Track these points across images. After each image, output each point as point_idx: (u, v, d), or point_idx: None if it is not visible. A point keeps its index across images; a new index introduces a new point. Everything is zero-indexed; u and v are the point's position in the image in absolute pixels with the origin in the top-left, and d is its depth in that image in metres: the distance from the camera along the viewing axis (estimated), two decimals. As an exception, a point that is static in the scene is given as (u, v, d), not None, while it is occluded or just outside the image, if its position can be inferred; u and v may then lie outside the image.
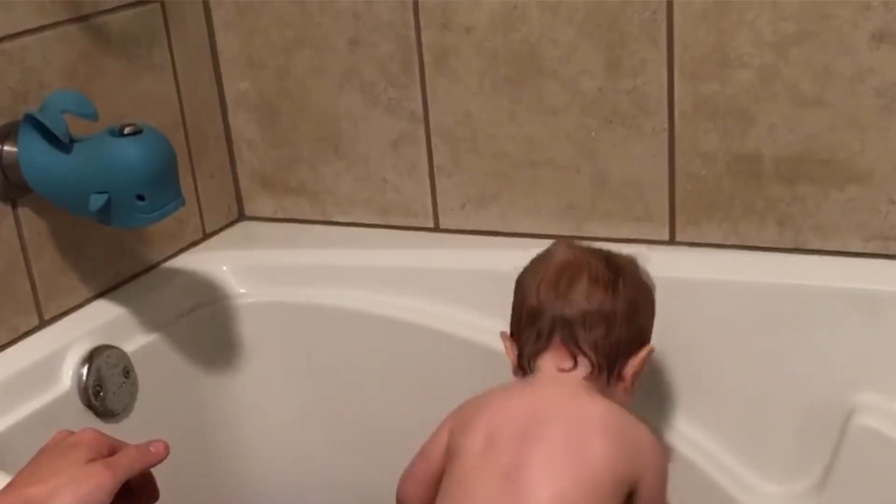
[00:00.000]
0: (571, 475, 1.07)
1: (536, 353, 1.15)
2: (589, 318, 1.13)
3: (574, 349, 1.13)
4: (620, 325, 1.14)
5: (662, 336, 1.31)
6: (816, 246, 1.33)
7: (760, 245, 1.35)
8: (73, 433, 0.90)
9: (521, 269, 1.20)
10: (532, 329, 1.14)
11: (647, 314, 1.19)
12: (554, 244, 1.22)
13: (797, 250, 1.34)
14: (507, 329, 1.20)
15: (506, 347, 1.19)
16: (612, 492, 1.08)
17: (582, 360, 1.13)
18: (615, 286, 1.15)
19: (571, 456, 1.08)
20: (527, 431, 1.10)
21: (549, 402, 1.12)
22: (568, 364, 1.13)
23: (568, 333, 1.13)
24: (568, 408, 1.12)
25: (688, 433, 1.34)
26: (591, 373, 1.14)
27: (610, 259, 1.18)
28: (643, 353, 1.16)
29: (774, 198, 1.32)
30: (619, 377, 1.15)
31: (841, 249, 1.31)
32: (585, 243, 1.23)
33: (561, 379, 1.13)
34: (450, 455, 1.14)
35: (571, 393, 1.13)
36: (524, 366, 1.16)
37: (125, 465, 0.87)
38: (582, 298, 1.13)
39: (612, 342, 1.14)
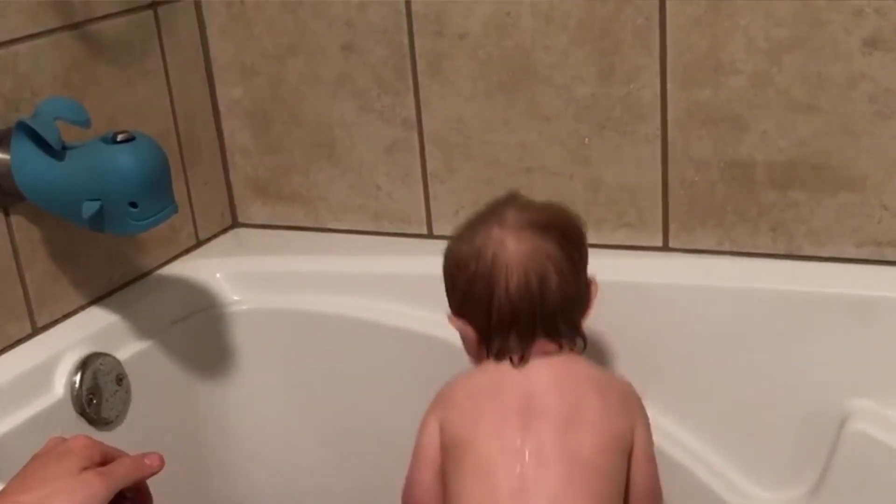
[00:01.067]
0: (590, 443, 1.11)
1: (522, 349, 1.15)
2: (564, 307, 1.15)
3: (556, 336, 1.16)
4: (583, 296, 1.18)
5: (655, 342, 1.31)
6: (810, 252, 1.33)
7: (754, 251, 1.35)
8: (65, 440, 0.90)
9: (463, 237, 1.17)
10: (510, 329, 1.15)
11: (587, 256, 1.20)
12: (500, 224, 1.15)
13: (791, 256, 1.34)
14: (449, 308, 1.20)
15: (460, 330, 1.18)
16: (622, 446, 1.14)
17: (563, 342, 1.16)
18: (574, 262, 1.16)
19: (582, 425, 1.12)
20: (531, 411, 1.12)
21: (542, 379, 1.14)
22: (552, 347, 1.16)
23: (551, 325, 1.15)
24: (562, 380, 1.14)
25: (682, 439, 1.34)
26: (572, 346, 1.17)
27: (561, 231, 1.16)
28: (593, 297, 1.20)
29: (768, 204, 1.33)
30: (579, 331, 1.19)
31: (834, 255, 1.31)
32: (522, 203, 1.19)
33: (546, 358, 1.15)
34: (451, 447, 1.14)
35: (559, 365, 1.15)
36: (501, 358, 1.16)
37: (119, 476, 0.87)
38: (556, 291, 1.14)
39: (580, 314, 1.18)
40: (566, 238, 1.16)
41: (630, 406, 1.18)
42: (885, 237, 1.29)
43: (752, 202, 1.33)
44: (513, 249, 1.13)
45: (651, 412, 1.34)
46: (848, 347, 1.25)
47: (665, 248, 1.40)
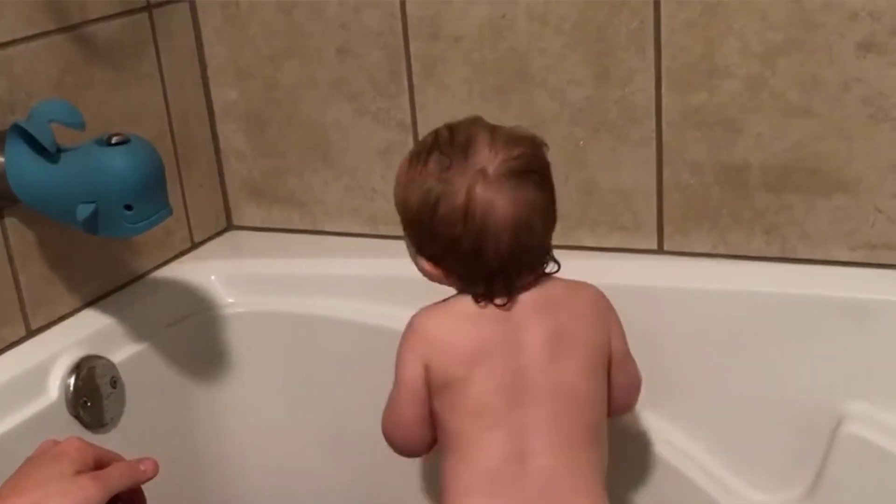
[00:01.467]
0: (575, 370, 1.13)
1: (508, 292, 1.13)
2: (545, 244, 1.14)
3: (535, 269, 1.15)
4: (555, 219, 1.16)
5: (650, 345, 1.31)
6: (804, 255, 1.33)
7: (748, 254, 1.35)
8: (58, 442, 0.90)
9: (441, 191, 1.09)
10: (494, 278, 1.12)
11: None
12: (482, 179, 1.09)
13: (785, 259, 1.34)
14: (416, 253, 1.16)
15: (432, 274, 1.15)
16: (602, 360, 1.16)
17: (539, 270, 1.15)
18: (551, 197, 1.14)
19: (566, 354, 1.13)
20: (519, 349, 1.12)
21: (525, 315, 1.13)
22: (531, 278, 1.14)
23: (534, 263, 1.14)
24: (542, 312, 1.14)
25: (677, 442, 1.34)
26: (545, 271, 1.16)
27: (537, 173, 1.13)
28: None
29: (762, 207, 1.33)
30: (552, 256, 1.17)
31: (828, 258, 1.32)
32: (489, 140, 1.12)
33: (526, 292, 1.14)
34: (442, 388, 1.13)
35: (539, 296, 1.14)
36: (484, 301, 1.13)
37: (114, 480, 0.87)
38: (540, 235, 1.12)
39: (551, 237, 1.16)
40: (542, 178, 1.13)
41: (603, 315, 1.18)
42: (878, 240, 1.29)
43: (747, 205, 1.33)
44: (500, 209, 1.09)
45: (646, 414, 1.35)
46: (842, 350, 1.25)
47: (660, 250, 1.40)
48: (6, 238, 1.27)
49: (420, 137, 1.46)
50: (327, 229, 1.59)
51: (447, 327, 1.15)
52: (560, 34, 1.35)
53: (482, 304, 1.13)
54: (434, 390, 1.14)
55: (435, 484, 1.44)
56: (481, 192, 1.09)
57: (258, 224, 1.63)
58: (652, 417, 1.35)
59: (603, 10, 1.31)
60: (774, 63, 1.26)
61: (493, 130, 1.14)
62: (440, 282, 1.16)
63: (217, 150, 1.61)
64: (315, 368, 1.48)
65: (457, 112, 1.42)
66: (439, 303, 1.17)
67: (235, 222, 1.65)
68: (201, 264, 1.53)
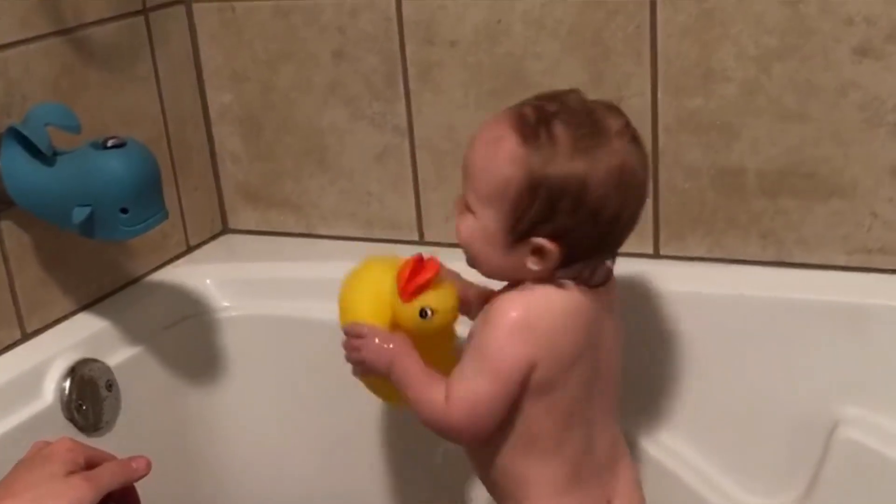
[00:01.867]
0: (620, 353, 1.15)
1: (611, 271, 1.11)
2: None
3: None
4: None
5: (646, 349, 1.31)
6: (800, 259, 1.33)
7: (744, 258, 1.35)
8: (49, 443, 0.90)
9: (592, 160, 1.02)
10: (609, 251, 1.09)
11: None
12: (623, 140, 1.04)
13: (781, 264, 1.34)
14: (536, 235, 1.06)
15: (549, 253, 1.05)
16: None
17: None
18: None
19: (620, 338, 1.15)
20: (601, 338, 1.11)
21: (606, 301, 1.11)
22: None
23: None
24: (612, 296, 1.13)
25: (672, 446, 1.34)
26: None
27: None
28: None
29: (758, 211, 1.33)
30: None
31: (824, 263, 1.32)
32: (606, 110, 1.07)
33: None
34: (540, 385, 1.07)
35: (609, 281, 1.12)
36: (586, 283, 1.08)
37: (106, 479, 0.87)
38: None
39: None
40: None
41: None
42: (874, 244, 1.29)
43: (743, 209, 1.33)
44: (641, 169, 1.06)
45: (641, 418, 1.35)
46: (838, 355, 1.25)
47: (656, 255, 1.40)
48: (2, 241, 1.26)
49: (416, 141, 1.47)
50: (323, 233, 1.59)
51: (557, 325, 1.07)
52: (556, 38, 1.35)
53: (582, 286, 1.07)
54: (531, 390, 1.07)
55: (435, 485, 1.44)
56: (629, 154, 1.04)
57: (254, 227, 1.63)
58: (647, 421, 1.35)
59: (599, 14, 1.32)
60: (770, 68, 1.26)
61: (594, 102, 1.08)
62: (549, 265, 1.06)
63: (213, 154, 1.61)
64: (310, 372, 1.47)
65: (453, 116, 1.43)
66: (536, 293, 1.08)
67: (231, 226, 1.65)
68: (196, 268, 1.53)
